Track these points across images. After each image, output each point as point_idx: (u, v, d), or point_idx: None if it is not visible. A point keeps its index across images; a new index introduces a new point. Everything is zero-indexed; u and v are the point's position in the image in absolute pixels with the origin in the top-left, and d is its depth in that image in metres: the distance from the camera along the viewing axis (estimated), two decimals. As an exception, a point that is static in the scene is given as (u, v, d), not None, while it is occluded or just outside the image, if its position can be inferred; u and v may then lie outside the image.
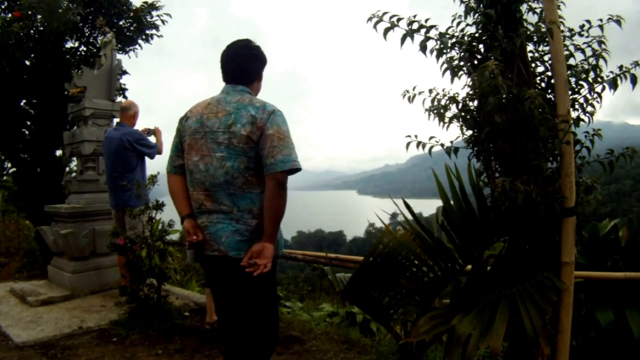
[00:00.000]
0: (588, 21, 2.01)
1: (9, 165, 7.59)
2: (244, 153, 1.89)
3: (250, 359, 2.01)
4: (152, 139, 4.58)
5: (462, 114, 2.12)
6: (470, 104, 2.12)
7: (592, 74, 2.00)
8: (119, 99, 6.05)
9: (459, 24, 2.10)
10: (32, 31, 6.03)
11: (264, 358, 2.05)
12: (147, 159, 4.48)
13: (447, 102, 2.13)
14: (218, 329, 2.17)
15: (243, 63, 2.06)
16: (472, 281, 2.26)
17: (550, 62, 2.03)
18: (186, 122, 2.05)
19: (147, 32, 7.24)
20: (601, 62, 1.98)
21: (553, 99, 2.00)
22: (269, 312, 2.05)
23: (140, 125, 4.63)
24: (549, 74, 2.07)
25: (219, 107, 1.97)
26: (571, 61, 2.04)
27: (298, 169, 1.93)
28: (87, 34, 7.08)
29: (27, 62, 6.26)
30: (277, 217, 1.91)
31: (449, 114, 2.13)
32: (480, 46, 2.12)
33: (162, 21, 7.26)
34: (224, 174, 1.91)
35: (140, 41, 7.30)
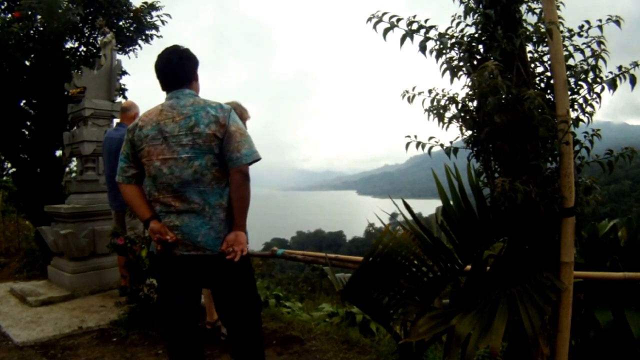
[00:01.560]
0: (587, 22, 2.01)
1: (9, 165, 7.59)
2: (210, 151, 2.01)
3: (252, 346, 2.15)
4: None
5: (462, 114, 2.12)
6: (470, 104, 2.12)
7: (591, 75, 2.00)
8: (119, 99, 6.05)
9: (458, 24, 2.10)
10: (32, 31, 6.04)
11: (260, 342, 2.21)
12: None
13: (447, 102, 2.13)
14: (166, 325, 2.24)
15: (178, 67, 2.13)
16: (471, 281, 2.26)
17: (549, 62, 2.03)
18: (140, 131, 2.10)
19: (147, 32, 7.25)
20: (600, 62, 1.98)
21: (552, 99, 2.00)
22: (254, 298, 2.21)
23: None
24: (549, 74, 2.07)
25: (175, 112, 2.06)
26: (570, 61, 2.04)
27: (259, 159, 2.10)
28: (87, 35, 7.08)
29: (27, 63, 6.26)
30: (245, 206, 2.08)
31: (448, 114, 2.13)
32: (480, 46, 2.12)
33: (162, 21, 7.28)
34: (192, 173, 2.01)
35: (140, 41, 7.30)
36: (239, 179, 2.03)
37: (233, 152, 2.01)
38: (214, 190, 2.04)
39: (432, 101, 2.14)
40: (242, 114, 3.15)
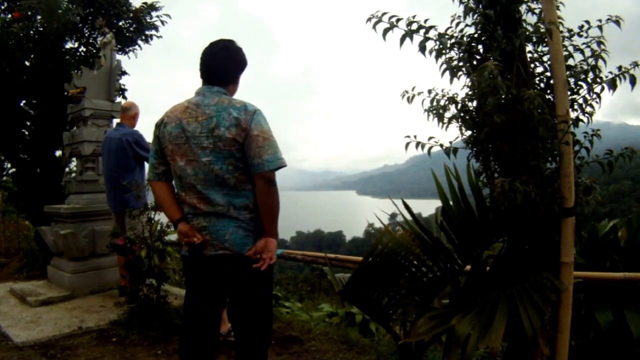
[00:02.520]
0: (587, 22, 2.01)
1: (9, 165, 7.59)
2: (230, 155, 1.92)
3: (258, 351, 2.10)
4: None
5: (461, 114, 2.12)
6: (470, 104, 2.13)
7: (591, 75, 2.00)
8: (119, 99, 6.05)
9: (458, 24, 2.10)
10: (32, 32, 6.03)
11: (266, 348, 2.17)
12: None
13: (446, 102, 2.13)
14: (183, 326, 2.20)
15: (222, 64, 2.05)
16: (471, 281, 2.26)
17: (549, 62, 2.03)
18: (165, 128, 2.02)
19: (147, 32, 7.25)
20: (600, 62, 1.98)
21: (552, 99, 2.00)
22: (269, 306, 2.17)
23: (141, 124, 4.63)
24: (548, 74, 2.07)
25: (198, 111, 1.96)
26: (570, 62, 2.04)
27: (284, 166, 1.98)
28: (86, 35, 7.08)
29: (27, 63, 6.26)
30: (273, 213, 1.99)
31: (448, 115, 2.13)
32: (480, 47, 2.12)
33: (162, 22, 7.27)
34: (214, 177, 1.93)
35: (139, 42, 7.30)
36: (262, 185, 1.92)
37: (255, 158, 1.89)
38: (239, 193, 1.96)
39: (431, 101, 2.14)
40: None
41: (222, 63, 2.05)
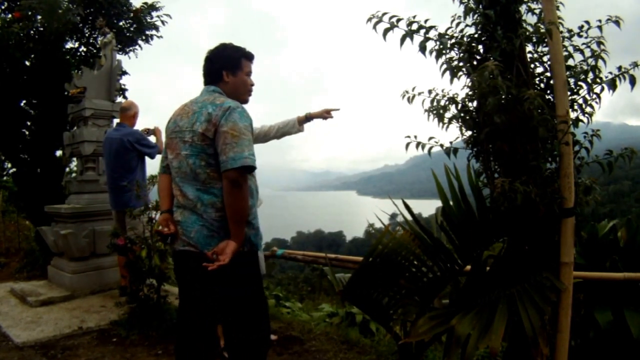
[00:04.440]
0: (587, 22, 2.01)
1: (9, 165, 7.59)
2: (202, 150, 1.97)
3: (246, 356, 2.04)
4: (152, 138, 4.58)
5: (462, 114, 2.12)
6: (470, 104, 2.13)
7: (591, 75, 2.00)
8: (119, 99, 6.05)
9: (458, 24, 2.10)
10: (32, 32, 6.03)
11: (259, 353, 2.08)
12: (147, 159, 4.48)
13: (447, 102, 2.13)
14: (176, 323, 2.20)
15: (209, 64, 2.15)
16: (471, 281, 2.26)
17: (549, 62, 2.03)
18: (168, 124, 2.17)
19: (147, 32, 7.24)
20: (600, 62, 1.98)
21: (552, 99, 2.00)
22: (249, 311, 2.04)
23: (141, 124, 4.64)
24: (548, 74, 2.07)
25: (190, 108, 2.07)
26: (570, 62, 2.04)
27: (250, 167, 1.91)
28: (87, 35, 7.07)
29: (27, 63, 6.26)
30: (235, 214, 1.92)
31: (448, 115, 2.13)
32: (480, 47, 2.12)
33: (162, 22, 7.26)
34: (190, 171, 2.00)
35: (140, 42, 7.30)
36: (226, 185, 1.90)
37: (220, 155, 1.90)
38: (208, 190, 1.98)
39: (432, 101, 2.14)
40: None
41: (207, 63, 2.16)
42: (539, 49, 2.09)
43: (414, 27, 2.01)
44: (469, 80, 2.05)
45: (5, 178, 8.77)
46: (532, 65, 2.10)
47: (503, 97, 1.88)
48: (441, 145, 2.16)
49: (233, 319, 2.05)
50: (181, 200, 2.06)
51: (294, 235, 76.87)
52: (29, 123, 6.44)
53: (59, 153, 6.45)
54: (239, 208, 1.92)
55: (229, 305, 2.04)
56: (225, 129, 1.90)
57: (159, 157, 4.53)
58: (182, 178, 2.04)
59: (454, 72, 2.06)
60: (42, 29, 6.08)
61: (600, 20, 1.97)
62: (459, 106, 2.13)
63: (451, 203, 2.14)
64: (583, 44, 2.03)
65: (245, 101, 2.20)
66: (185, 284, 2.14)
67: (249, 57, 2.20)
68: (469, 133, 2.16)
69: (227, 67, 2.13)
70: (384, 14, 2.00)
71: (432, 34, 2.03)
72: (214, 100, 2.01)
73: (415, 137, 2.17)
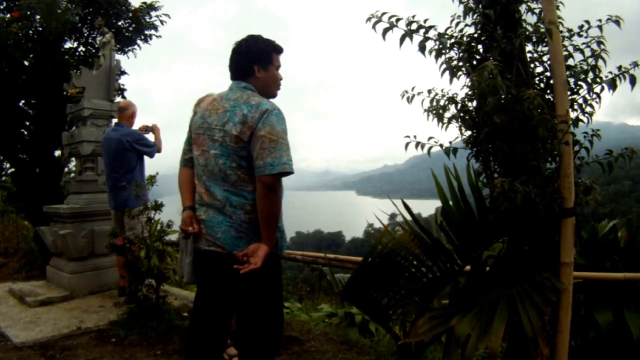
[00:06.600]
0: (587, 22, 2.01)
1: (8, 165, 7.58)
2: (235, 152, 1.90)
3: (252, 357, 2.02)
4: (150, 137, 4.57)
5: (461, 114, 2.12)
6: (469, 104, 2.12)
7: (591, 75, 2.00)
8: (118, 99, 6.04)
9: (457, 24, 2.09)
10: (31, 32, 6.02)
11: (265, 358, 2.06)
12: (146, 159, 4.47)
13: (446, 102, 2.13)
14: (190, 322, 2.14)
15: (239, 58, 2.06)
16: (471, 282, 2.26)
17: (549, 62, 2.03)
18: (194, 117, 2.09)
19: (146, 32, 7.24)
20: (600, 62, 1.98)
21: (552, 99, 2.00)
22: (268, 312, 2.02)
23: (140, 124, 4.64)
24: (548, 74, 2.06)
25: (220, 104, 1.99)
26: (570, 62, 2.04)
27: (289, 172, 1.88)
28: (86, 35, 7.06)
29: (26, 63, 6.25)
30: (269, 219, 1.90)
31: (447, 115, 2.13)
32: (479, 46, 2.11)
33: (161, 21, 7.26)
34: (218, 171, 1.94)
35: (139, 41, 7.30)
36: (260, 189, 1.85)
37: (257, 159, 1.84)
38: (238, 192, 1.93)
39: (431, 101, 2.13)
40: None
41: (236, 56, 2.06)
42: (539, 49, 2.09)
43: (414, 26, 2.01)
44: (468, 80, 2.05)
45: (4, 178, 8.76)
46: (532, 65, 2.10)
47: (503, 96, 1.87)
48: (441, 145, 2.15)
49: (251, 319, 2.01)
50: (206, 199, 1.99)
51: (293, 235, 76.90)
52: (27, 123, 6.43)
53: (57, 153, 6.44)
54: (272, 213, 1.90)
55: (249, 306, 2.00)
56: (263, 133, 1.84)
57: (159, 156, 4.53)
58: (209, 177, 1.97)
59: (453, 72, 2.06)
60: (40, 28, 6.07)
61: (600, 20, 1.97)
62: (459, 106, 2.13)
63: (451, 203, 2.14)
64: (583, 43, 2.03)
65: (275, 95, 2.13)
66: (208, 284, 2.07)
67: (279, 50, 2.11)
68: (469, 133, 2.15)
69: (258, 61, 2.04)
70: (383, 13, 1.99)
71: (432, 33, 2.03)
72: (248, 100, 1.92)
73: (415, 137, 2.16)
